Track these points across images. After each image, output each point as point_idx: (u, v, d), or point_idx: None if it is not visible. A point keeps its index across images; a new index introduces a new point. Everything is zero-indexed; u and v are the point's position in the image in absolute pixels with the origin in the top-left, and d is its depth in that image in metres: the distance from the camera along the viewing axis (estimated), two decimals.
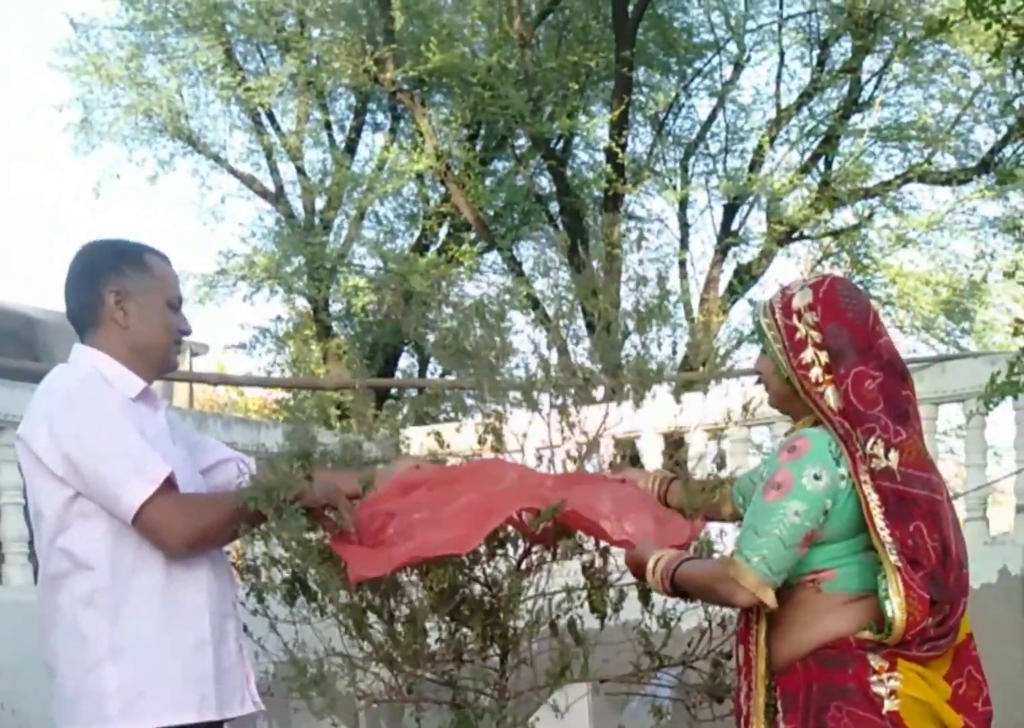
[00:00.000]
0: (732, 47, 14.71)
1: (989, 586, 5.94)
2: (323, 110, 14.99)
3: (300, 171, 14.84)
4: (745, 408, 3.41)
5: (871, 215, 14.61)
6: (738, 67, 14.72)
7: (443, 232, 14.99)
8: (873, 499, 2.49)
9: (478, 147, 14.60)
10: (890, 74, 14.38)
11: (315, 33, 14.36)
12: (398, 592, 3.13)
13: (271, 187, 15.07)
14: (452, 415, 9.02)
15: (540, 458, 3.33)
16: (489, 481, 3.03)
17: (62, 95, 22.76)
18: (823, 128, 14.46)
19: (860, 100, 14.35)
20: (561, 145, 14.45)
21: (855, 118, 14.49)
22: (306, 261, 13.76)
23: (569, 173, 14.38)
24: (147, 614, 2.68)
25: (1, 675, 5.02)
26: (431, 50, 12.69)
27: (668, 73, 15.09)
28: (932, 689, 2.53)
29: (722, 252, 14.57)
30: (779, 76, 14.54)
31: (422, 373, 15.84)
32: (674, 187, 14.76)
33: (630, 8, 13.23)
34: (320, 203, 14.87)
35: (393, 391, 15.44)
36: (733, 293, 14.37)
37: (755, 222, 14.90)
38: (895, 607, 2.47)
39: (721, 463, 3.23)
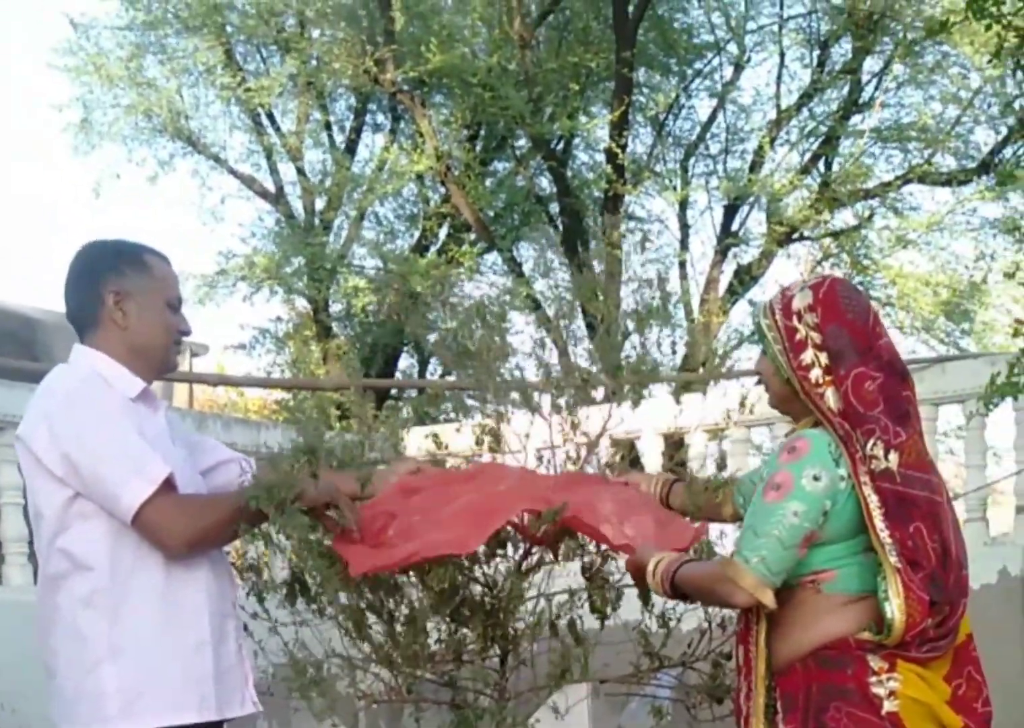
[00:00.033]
0: (732, 48, 14.70)
1: (989, 587, 5.94)
2: (323, 111, 14.98)
3: (300, 172, 14.83)
4: (742, 404, 3.41)
5: (871, 216, 14.61)
6: (738, 68, 14.72)
7: (443, 233, 14.98)
8: (873, 500, 2.50)
9: (478, 148, 14.60)
10: (890, 75, 14.37)
11: (315, 34, 14.36)
12: (398, 593, 3.13)
13: (271, 188, 15.07)
14: (452, 416, 9.02)
15: (540, 459, 3.33)
16: (490, 483, 3.03)
17: (62, 95, 22.77)
18: (823, 129, 14.45)
19: (860, 101, 14.34)
20: (561, 146, 14.45)
21: (855, 119, 14.48)
22: (306, 262, 13.75)
23: (569, 174, 14.38)
24: (146, 614, 2.68)
25: (1, 675, 5.02)
26: (431, 51, 12.68)
27: (668, 74, 15.08)
28: (931, 690, 2.53)
29: (722, 253, 14.56)
30: (779, 77, 14.54)
31: (422, 374, 15.84)
32: (674, 188, 14.75)
33: (630, 9, 13.22)
34: (320, 204, 14.87)
35: (393, 392, 15.44)
36: (733, 294, 14.37)
37: (755, 223, 14.91)
38: (894, 608, 2.47)
39: (722, 464, 3.23)
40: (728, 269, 14.72)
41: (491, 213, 14.53)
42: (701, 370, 7.59)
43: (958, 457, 9.74)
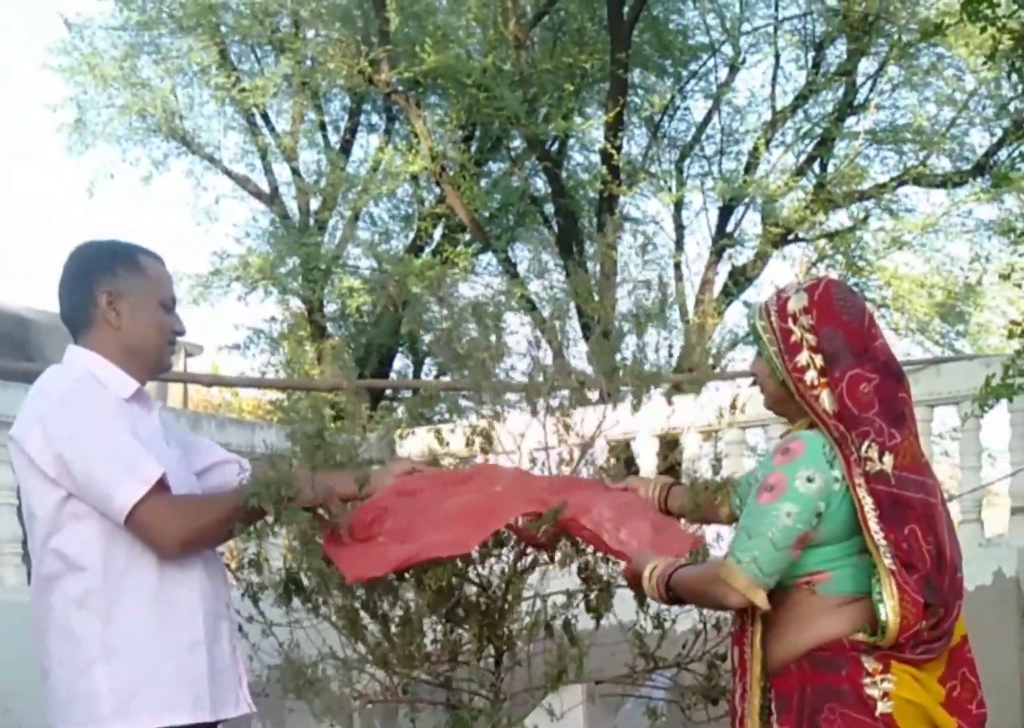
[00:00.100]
0: (727, 49, 14.72)
1: (984, 588, 5.94)
2: (318, 111, 14.98)
3: (295, 172, 14.83)
4: (733, 405, 3.41)
5: (866, 217, 14.62)
6: (733, 69, 14.73)
7: (438, 233, 14.98)
8: (867, 502, 2.50)
9: (473, 148, 14.59)
10: (885, 77, 14.38)
11: (310, 34, 14.36)
12: (393, 593, 3.13)
13: (266, 188, 15.06)
14: (447, 416, 9.01)
15: (534, 460, 3.33)
16: (487, 484, 3.03)
17: (56, 95, 22.75)
18: (818, 130, 14.47)
19: (855, 102, 14.36)
20: (556, 147, 14.45)
21: (850, 120, 14.50)
22: (301, 262, 13.75)
23: (564, 175, 14.37)
24: (140, 615, 2.68)
25: None
26: (426, 51, 12.68)
27: (663, 75, 15.09)
28: (926, 691, 2.53)
29: (717, 254, 14.57)
30: (774, 78, 14.55)
31: (416, 374, 15.84)
32: (669, 189, 14.76)
33: (625, 10, 13.22)
34: (315, 204, 14.87)
35: (388, 392, 15.44)
36: (728, 295, 14.38)
37: (750, 224, 14.91)
38: (888, 610, 2.47)
39: (717, 465, 3.23)
40: (723, 270, 14.74)
41: (486, 214, 14.53)
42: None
43: (953, 459, 9.77)
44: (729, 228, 14.68)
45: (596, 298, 3.51)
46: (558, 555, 3.11)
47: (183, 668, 2.71)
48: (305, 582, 3.06)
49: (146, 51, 14.58)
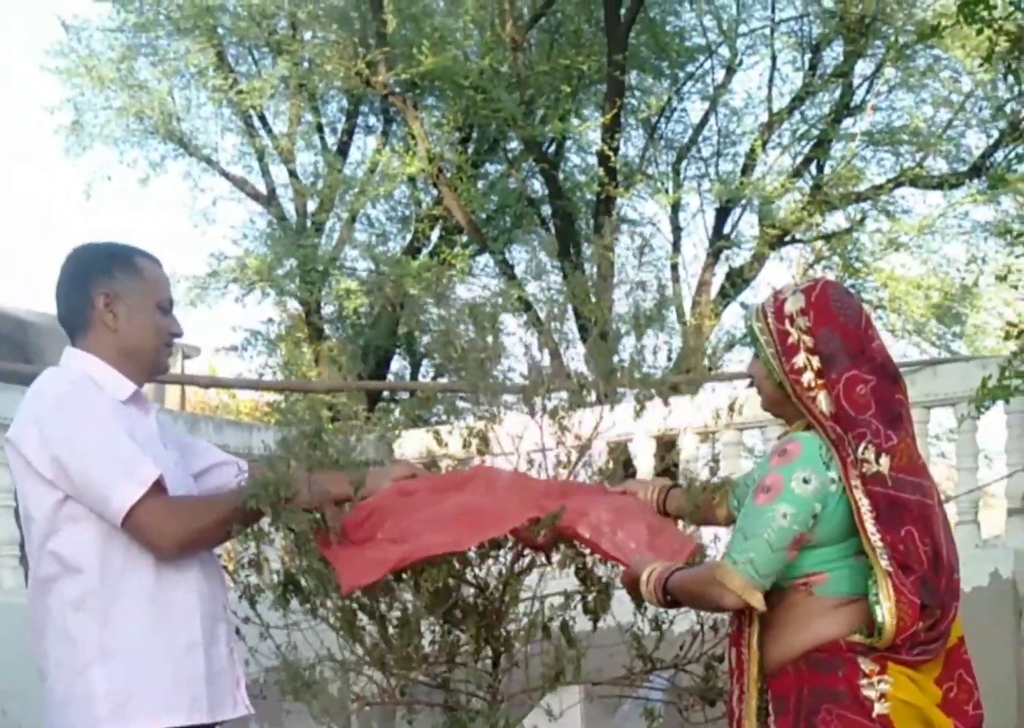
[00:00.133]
0: (724, 51, 14.71)
1: (980, 589, 5.95)
2: (315, 113, 14.98)
3: (292, 174, 14.83)
4: (731, 407, 3.42)
5: (863, 219, 14.63)
6: (730, 71, 14.73)
7: (435, 235, 14.98)
8: (864, 504, 2.50)
9: (470, 150, 14.59)
10: (882, 78, 14.39)
11: (307, 36, 14.36)
12: (391, 594, 3.13)
13: (263, 189, 15.06)
14: (444, 418, 9.02)
15: (532, 462, 3.33)
16: (485, 487, 3.03)
17: (54, 97, 22.70)
18: (815, 132, 14.47)
19: (852, 104, 14.36)
20: (553, 148, 14.45)
21: (847, 122, 14.50)
22: (298, 264, 13.74)
23: (561, 176, 14.37)
24: (137, 616, 2.68)
25: None
26: (423, 53, 12.68)
27: (660, 77, 15.09)
28: (922, 693, 2.53)
29: (714, 255, 14.56)
30: (771, 80, 14.55)
31: (414, 376, 15.83)
32: (666, 190, 14.76)
33: (622, 12, 13.23)
34: (312, 206, 14.86)
35: (385, 394, 15.44)
36: (725, 296, 14.38)
37: (747, 225, 14.92)
38: (885, 612, 2.47)
39: (714, 467, 3.24)
40: (720, 272, 14.75)
41: (483, 215, 14.52)
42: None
43: (949, 460, 9.78)
44: (726, 230, 14.69)
45: (593, 300, 3.51)
46: (556, 557, 3.11)
47: (180, 670, 2.71)
48: (303, 583, 3.06)
49: (143, 53, 14.58)
